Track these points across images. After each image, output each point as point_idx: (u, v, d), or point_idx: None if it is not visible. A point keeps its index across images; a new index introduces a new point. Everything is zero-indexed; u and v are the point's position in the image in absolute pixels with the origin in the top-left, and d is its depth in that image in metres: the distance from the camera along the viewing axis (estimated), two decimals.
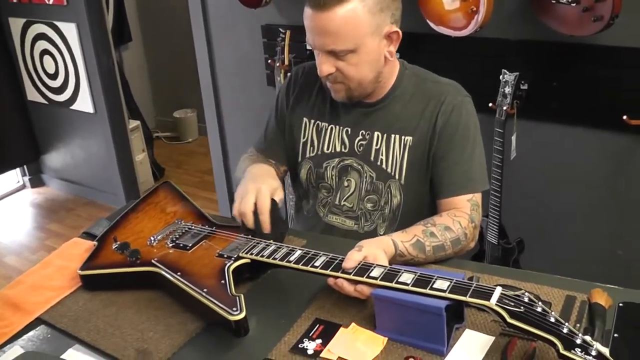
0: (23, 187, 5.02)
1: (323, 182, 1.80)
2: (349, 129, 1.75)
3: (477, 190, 1.68)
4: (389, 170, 1.71)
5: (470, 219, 1.61)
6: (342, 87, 1.64)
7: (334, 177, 1.78)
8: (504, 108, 2.40)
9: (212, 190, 4.09)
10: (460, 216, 1.60)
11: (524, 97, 2.42)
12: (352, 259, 1.35)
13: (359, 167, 1.75)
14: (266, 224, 1.52)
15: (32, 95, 4.55)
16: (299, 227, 1.93)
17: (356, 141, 1.74)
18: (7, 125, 4.61)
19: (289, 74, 1.95)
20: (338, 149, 1.77)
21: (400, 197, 1.72)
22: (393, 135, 1.70)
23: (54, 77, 4.31)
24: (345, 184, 1.77)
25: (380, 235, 1.70)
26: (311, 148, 1.81)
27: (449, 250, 1.54)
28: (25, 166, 4.94)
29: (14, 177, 5.00)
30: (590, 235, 2.63)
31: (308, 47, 2.89)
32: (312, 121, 1.81)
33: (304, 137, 1.82)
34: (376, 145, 1.72)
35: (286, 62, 2.87)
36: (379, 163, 1.72)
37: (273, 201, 1.55)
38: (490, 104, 2.45)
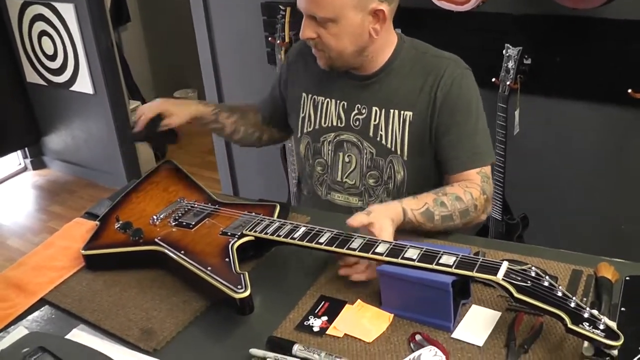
0: (24, 169, 5.01)
1: (319, 157, 1.79)
2: (345, 103, 1.74)
3: (485, 163, 1.66)
4: (389, 145, 1.69)
5: (481, 191, 1.60)
6: (322, 54, 1.65)
7: (330, 152, 1.77)
8: (507, 83, 2.38)
9: (214, 170, 4.07)
10: (471, 187, 1.59)
11: (528, 71, 2.40)
12: (357, 219, 1.35)
13: (358, 142, 1.73)
14: (140, 123, 1.76)
15: (31, 77, 4.52)
16: (299, 203, 1.95)
17: (352, 115, 1.73)
18: (7, 108, 4.59)
19: (291, 47, 1.95)
20: (334, 123, 1.75)
21: (404, 173, 1.70)
22: (392, 110, 1.68)
23: (52, 58, 4.28)
24: (347, 159, 1.75)
25: None
26: (309, 123, 1.80)
27: (457, 220, 1.54)
28: (26, 148, 4.93)
29: (15, 159, 4.99)
30: (594, 210, 2.61)
31: None
32: (310, 95, 1.80)
33: (302, 112, 1.81)
34: (374, 120, 1.70)
35: (286, 40, 2.84)
36: (378, 139, 1.70)
37: (161, 115, 1.77)
38: (494, 79, 2.42)
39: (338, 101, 1.74)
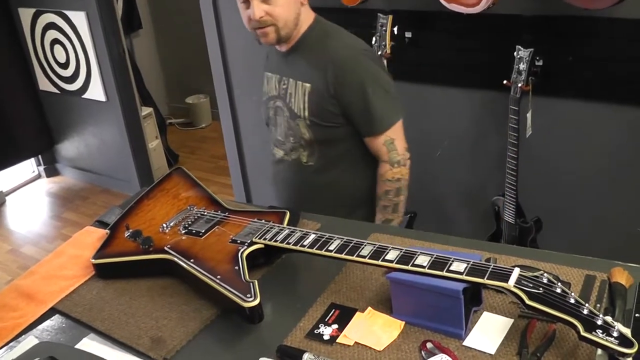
0: (38, 176, 5.04)
1: (270, 120, 2.13)
2: (279, 76, 2.06)
3: (386, 128, 1.95)
4: (295, 110, 1.99)
5: (390, 164, 1.97)
6: (272, 29, 1.88)
7: (272, 117, 2.11)
8: (519, 85, 2.36)
9: (226, 175, 4.08)
10: (384, 173, 1.99)
11: (539, 73, 2.38)
12: None
13: (284, 108, 2.04)
14: None
15: (44, 85, 4.55)
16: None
17: (281, 86, 2.05)
18: (20, 116, 4.63)
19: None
20: (275, 93, 2.08)
21: (309, 134, 1.98)
22: (297, 81, 1.97)
23: (65, 66, 4.31)
24: (279, 121, 2.08)
25: (304, 162, 2.04)
26: (264, 93, 2.16)
27: (403, 200, 2.04)
28: (39, 156, 4.96)
29: (29, 167, 5.02)
30: (609, 213, 2.59)
31: None
32: (267, 72, 2.14)
33: (263, 87, 2.16)
34: (290, 89, 2.00)
35: None
36: (290, 105, 2.00)
37: None
38: (505, 82, 2.41)
39: (276, 75, 2.07)
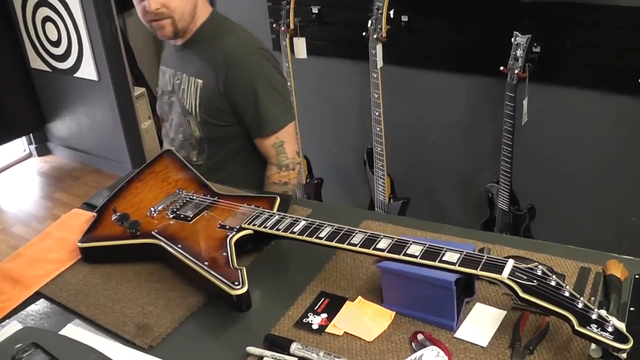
0: (29, 155, 4.99)
1: (164, 115, 2.10)
2: (173, 70, 2.02)
3: (275, 130, 1.93)
4: (187, 107, 1.96)
5: (278, 168, 1.97)
6: (169, 21, 1.85)
7: (167, 111, 2.08)
8: (516, 72, 2.34)
9: None
10: (271, 176, 1.98)
11: (537, 60, 2.35)
12: None
13: (177, 103, 2.00)
14: None
15: (35, 63, 4.49)
16: None
17: (175, 81, 2.00)
18: (11, 94, 4.56)
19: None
20: (169, 88, 2.04)
21: (200, 132, 1.96)
22: (190, 77, 1.94)
23: (56, 44, 4.25)
24: (171, 117, 2.05)
25: (194, 162, 2.00)
26: (158, 88, 2.12)
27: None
28: (31, 135, 4.91)
29: (20, 146, 4.97)
30: (603, 202, 2.57)
31: (314, 11, 2.83)
32: (162, 66, 2.09)
33: (158, 80, 2.12)
34: (183, 84, 1.96)
35: (291, 26, 2.80)
36: (182, 101, 1.97)
37: None
38: (502, 68, 2.38)
39: (170, 70, 2.03)
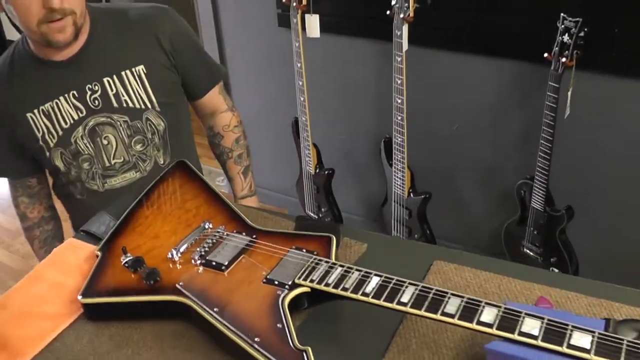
0: None
1: (81, 156, 1.77)
2: (74, 92, 1.72)
3: (221, 77, 1.96)
4: (138, 106, 1.76)
5: (230, 110, 1.99)
6: (70, 20, 1.60)
7: (88, 145, 1.76)
8: (562, 60, 2.06)
9: None
10: (230, 120, 1.98)
11: (584, 46, 2.08)
12: None
13: (109, 119, 1.75)
14: None
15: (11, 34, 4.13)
16: (81, 220, 1.60)
17: (88, 98, 1.72)
18: None
19: None
20: (76, 117, 1.73)
21: (164, 121, 1.81)
22: (123, 73, 1.73)
23: None
24: (105, 142, 1.77)
25: (161, 165, 1.83)
26: (51, 136, 1.74)
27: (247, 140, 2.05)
28: None
29: None
30: None
31: None
32: (36, 111, 1.72)
33: (39, 133, 1.74)
34: (112, 90, 1.73)
35: (304, 2, 2.47)
36: (125, 105, 1.74)
37: None
38: (546, 54, 2.10)
39: (66, 95, 1.72)
